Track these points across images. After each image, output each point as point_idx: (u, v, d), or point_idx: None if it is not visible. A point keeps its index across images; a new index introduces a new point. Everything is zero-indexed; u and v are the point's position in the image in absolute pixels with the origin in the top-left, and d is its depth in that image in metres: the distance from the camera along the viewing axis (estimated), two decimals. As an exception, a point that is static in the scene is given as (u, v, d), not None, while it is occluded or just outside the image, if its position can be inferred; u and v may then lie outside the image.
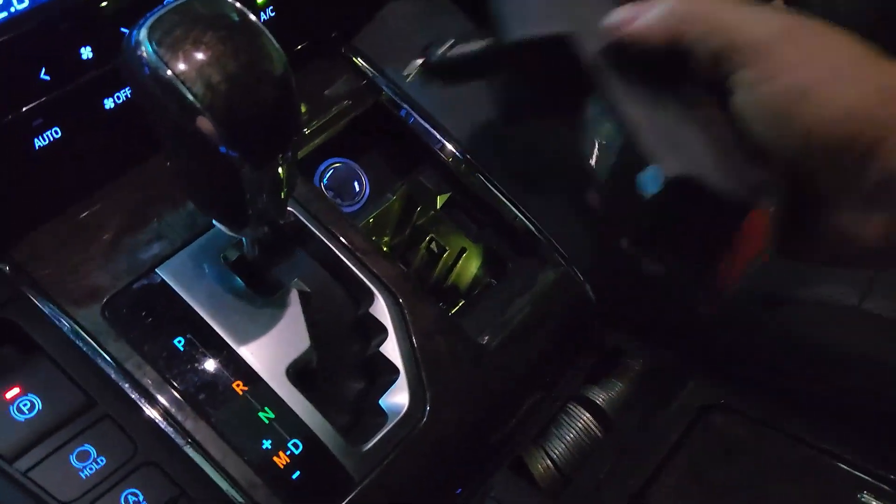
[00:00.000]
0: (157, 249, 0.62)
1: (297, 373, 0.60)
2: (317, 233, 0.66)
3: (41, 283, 0.58)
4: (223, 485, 0.55)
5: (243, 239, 0.61)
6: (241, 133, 0.47)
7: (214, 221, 0.56)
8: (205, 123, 0.46)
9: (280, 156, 0.51)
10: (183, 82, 0.46)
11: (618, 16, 0.51)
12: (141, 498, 0.53)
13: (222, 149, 0.47)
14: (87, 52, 0.57)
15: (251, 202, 0.52)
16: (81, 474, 0.53)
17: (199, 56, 0.46)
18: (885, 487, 0.60)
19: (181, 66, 0.46)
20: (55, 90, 0.57)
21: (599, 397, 0.69)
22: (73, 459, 0.53)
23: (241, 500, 0.55)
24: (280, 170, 0.52)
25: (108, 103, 0.60)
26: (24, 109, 0.56)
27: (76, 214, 0.61)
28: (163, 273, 0.61)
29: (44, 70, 0.56)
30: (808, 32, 0.48)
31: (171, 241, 0.62)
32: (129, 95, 0.61)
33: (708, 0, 0.50)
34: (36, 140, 0.57)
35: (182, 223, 0.63)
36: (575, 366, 0.72)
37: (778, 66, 0.47)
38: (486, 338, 0.64)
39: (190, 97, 0.46)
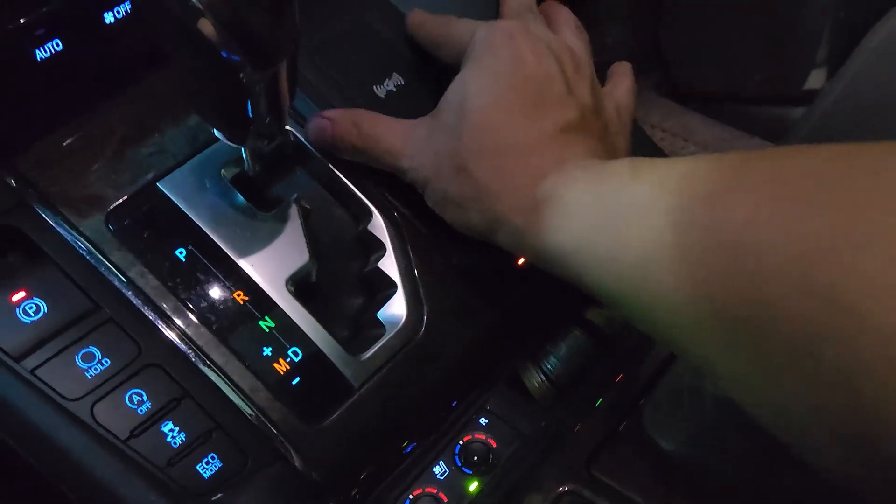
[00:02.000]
0: (158, 163, 0.63)
1: (297, 285, 0.62)
2: (315, 151, 0.67)
3: (46, 193, 0.59)
4: (224, 388, 0.57)
5: (243, 154, 0.62)
6: (241, 35, 0.48)
7: (215, 132, 0.57)
8: (206, 25, 0.47)
9: (280, 61, 0.51)
10: None
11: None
12: (145, 397, 0.55)
13: (224, 52, 0.48)
14: (90, -36, 0.58)
15: (252, 109, 0.53)
16: (87, 374, 0.54)
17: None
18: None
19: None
20: (55, 2, 0.57)
21: (598, 317, 0.70)
22: (78, 360, 0.55)
23: (242, 403, 0.57)
24: (280, 76, 0.53)
25: (109, 17, 0.61)
26: (24, 20, 0.56)
27: (80, 127, 0.62)
28: (164, 187, 0.62)
29: (46, -20, 0.56)
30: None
31: (174, 156, 0.63)
32: (128, 10, 0.62)
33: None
34: (37, 51, 0.58)
35: (184, 138, 0.64)
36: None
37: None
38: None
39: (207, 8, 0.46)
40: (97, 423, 0.53)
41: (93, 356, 0.55)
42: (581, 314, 0.71)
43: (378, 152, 0.64)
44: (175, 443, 0.55)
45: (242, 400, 0.57)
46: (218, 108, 0.55)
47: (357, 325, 0.64)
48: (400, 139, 0.63)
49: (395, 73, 0.71)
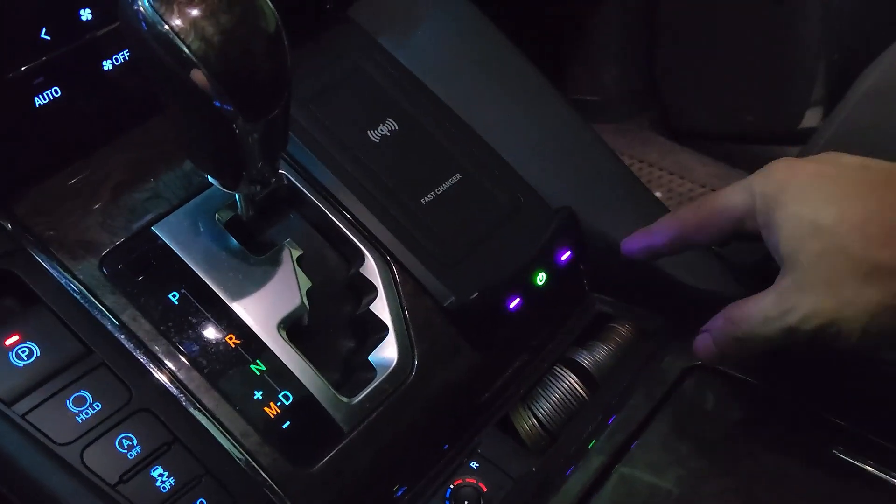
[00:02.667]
0: (153, 208, 0.64)
1: (289, 328, 0.62)
2: (308, 195, 0.68)
3: (41, 237, 0.60)
4: (215, 432, 0.57)
5: (237, 199, 0.63)
6: (234, 86, 0.49)
7: (210, 178, 0.58)
8: (199, 76, 0.48)
9: (273, 110, 0.52)
10: (178, 35, 0.47)
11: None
12: (135, 442, 0.55)
13: (217, 102, 0.49)
14: (86, 14, 0.59)
15: (244, 157, 0.54)
16: (77, 418, 0.55)
17: (194, 11, 0.47)
18: (859, 442, 0.62)
19: (177, 21, 0.47)
20: (55, 50, 0.58)
21: (586, 360, 0.70)
22: (69, 404, 0.55)
23: (232, 447, 0.57)
24: (273, 125, 0.54)
25: (107, 65, 0.62)
26: (24, 68, 0.57)
27: (76, 172, 0.63)
28: (159, 231, 0.63)
29: (44, 30, 0.57)
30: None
31: (168, 200, 0.64)
32: (127, 57, 0.63)
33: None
34: (36, 98, 0.59)
35: (179, 183, 0.65)
36: (563, 329, 0.74)
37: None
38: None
39: (186, 51, 0.47)
40: (87, 468, 0.53)
41: (84, 400, 0.55)
42: (570, 357, 0.71)
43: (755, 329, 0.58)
44: (164, 488, 0.55)
45: (233, 444, 0.57)
46: (211, 156, 0.56)
47: (348, 368, 0.65)
48: (772, 306, 0.57)
49: (388, 119, 0.72)
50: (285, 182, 0.68)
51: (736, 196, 0.60)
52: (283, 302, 0.63)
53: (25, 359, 0.56)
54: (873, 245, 0.53)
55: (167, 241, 0.62)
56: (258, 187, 0.59)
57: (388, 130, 0.72)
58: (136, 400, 0.57)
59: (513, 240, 0.70)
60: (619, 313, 0.75)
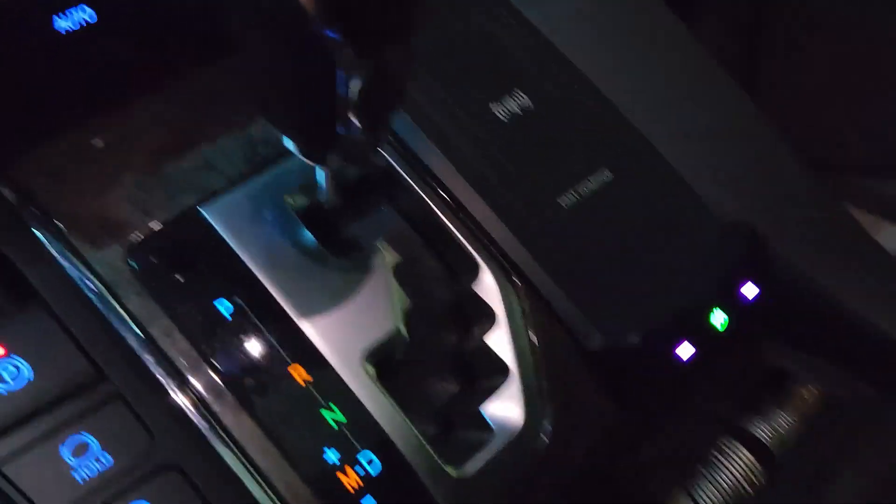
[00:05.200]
0: (204, 182, 0.47)
1: (378, 363, 0.45)
2: (410, 182, 0.50)
3: (49, 210, 0.43)
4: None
5: (319, 179, 0.46)
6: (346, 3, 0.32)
7: (288, 143, 0.41)
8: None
9: (390, 45, 0.35)
10: None
11: None
12: (156, 515, 0.38)
13: (320, 26, 0.33)
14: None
15: (342, 114, 0.37)
16: (76, 475, 0.38)
17: None
18: None
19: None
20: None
21: (763, 431, 0.52)
22: (65, 453, 0.38)
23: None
24: (387, 71, 0.37)
25: (159, -15, 0.46)
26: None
27: (103, 128, 0.46)
28: (209, 214, 0.46)
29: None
30: None
31: (224, 174, 0.47)
32: (187, -22, 0.46)
33: None
34: (59, 19, 0.43)
35: (240, 152, 0.48)
36: (725, 386, 0.56)
37: None
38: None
39: None
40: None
41: (87, 448, 0.38)
42: (741, 426, 0.53)
43: None
44: (191, 587, 0.38)
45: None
46: (297, 110, 0.39)
47: (450, 422, 0.47)
48: None
49: (517, 92, 0.55)
50: (381, 164, 0.51)
51: None
52: (372, 326, 0.45)
53: (10, 381, 0.39)
54: None
55: (219, 229, 0.46)
56: (351, 164, 0.42)
57: (518, 107, 0.55)
58: (159, 451, 0.40)
59: (678, 265, 0.52)
60: (802, 372, 0.56)
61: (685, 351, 0.49)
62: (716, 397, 0.54)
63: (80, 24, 0.43)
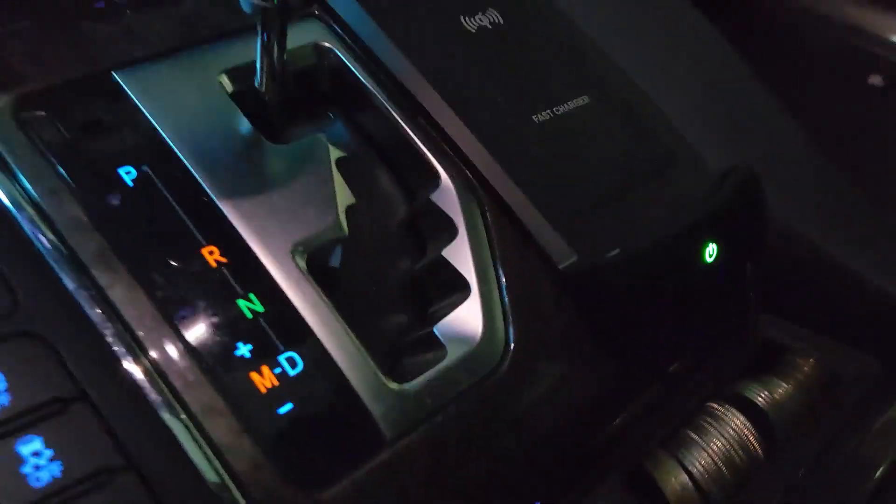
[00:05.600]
0: (120, 46, 0.40)
1: (312, 258, 0.37)
2: (364, 81, 0.44)
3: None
4: (161, 407, 0.31)
5: (257, 61, 0.39)
6: None
7: None
8: None
9: None
10: None
11: None
12: (2, 379, 0.29)
13: None
14: None
15: None
16: None
17: None
18: None
19: None
20: None
21: (759, 396, 0.45)
22: None
23: (184, 433, 0.31)
24: None
25: None
26: None
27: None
28: (124, 80, 0.39)
29: None
30: None
31: (146, 41, 0.40)
32: None
33: None
34: None
35: (168, 24, 0.41)
36: (720, 357, 0.48)
37: None
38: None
39: None
40: None
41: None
42: (738, 392, 0.46)
43: None
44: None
45: (190, 428, 0.31)
46: None
47: (401, 345, 0.39)
48: None
49: (490, 9, 0.49)
50: (331, 60, 0.44)
51: None
52: (308, 217, 0.38)
53: None
54: None
55: (134, 98, 0.38)
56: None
57: (490, 23, 0.49)
58: (22, 315, 0.31)
59: (667, 198, 0.46)
60: (799, 344, 0.49)
61: (670, 284, 0.42)
62: (706, 366, 0.47)
63: None
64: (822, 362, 0.48)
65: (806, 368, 0.48)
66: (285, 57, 0.39)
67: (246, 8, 0.36)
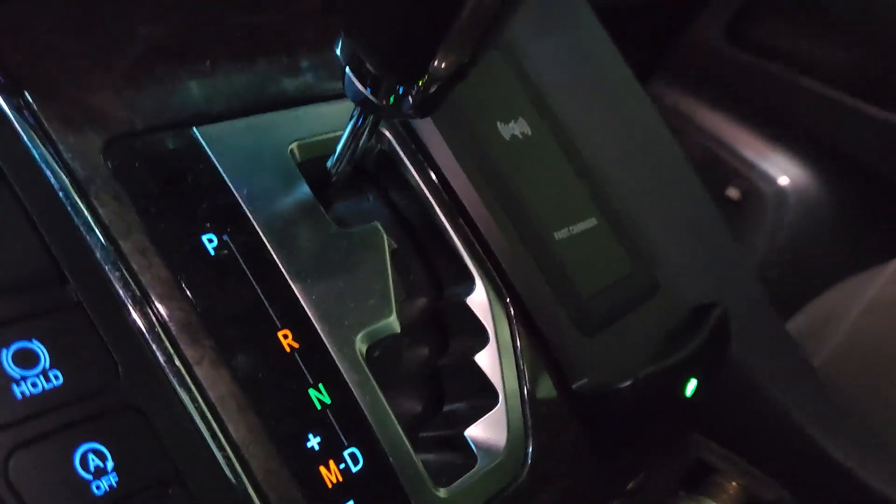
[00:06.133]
0: (201, 102, 0.39)
1: (373, 350, 0.39)
2: (411, 169, 0.45)
3: (19, 76, 0.34)
4: (232, 476, 0.32)
5: (344, 136, 0.40)
6: None
7: (350, 81, 0.35)
8: None
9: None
10: None
11: None
12: (108, 458, 0.29)
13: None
14: None
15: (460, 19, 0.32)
16: (16, 388, 0.28)
17: None
18: None
19: None
20: None
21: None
22: (7, 362, 0.28)
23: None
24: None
25: None
26: None
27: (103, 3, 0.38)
28: (203, 136, 0.38)
29: None
30: None
31: (227, 99, 0.40)
32: None
33: None
34: None
35: (252, 79, 0.41)
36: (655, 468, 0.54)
37: None
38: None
39: None
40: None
41: (34, 355, 0.29)
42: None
43: None
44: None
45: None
46: (397, 27, 0.33)
47: (436, 439, 0.41)
48: None
49: (521, 119, 0.52)
50: (383, 147, 0.46)
51: None
52: (369, 308, 0.39)
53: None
54: None
55: (212, 155, 0.38)
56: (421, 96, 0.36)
57: (521, 132, 0.52)
58: (120, 386, 0.30)
59: (656, 327, 0.51)
60: (726, 467, 0.56)
61: (658, 409, 0.47)
62: (645, 477, 0.52)
63: None
64: (743, 486, 0.55)
65: (731, 491, 0.54)
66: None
67: (350, 96, 0.37)
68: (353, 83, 0.36)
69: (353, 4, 0.34)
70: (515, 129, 0.52)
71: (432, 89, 0.35)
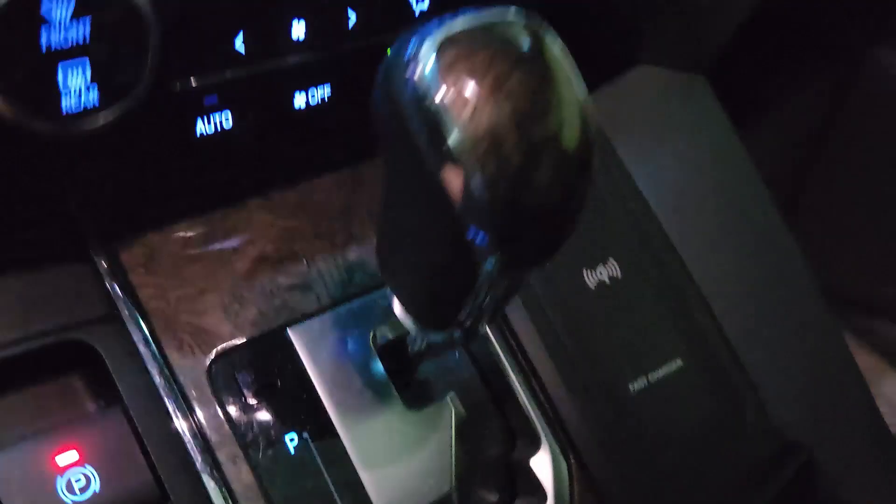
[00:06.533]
0: (296, 301, 0.46)
1: (427, 523, 0.45)
2: (490, 335, 0.50)
3: (144, 305, 0.43)
4: None
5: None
6: (517, 226, 0.32)
7: (399, 310, 0.40)
8: (455, 182, 0.31)
9: (548, 259, 0.35)
10: (461, 132, 0.30)
11: None
12: None
13: (474, 235, 0.32)
14: (299, 29, 0.42)
15: (472, 302, 0.37)
16: None
17: (495, 105, 0.30)
18: None
19: (464, 109, 0.30)
20: (245, 66, 0.42)
21: None
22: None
23: None
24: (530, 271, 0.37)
25: (299, 100, 0.45)
26: (197, 81, 0.41)
27: (214, 226, 0.46)
28: (295, 336, 0.46)
29: (240, 38, 0.41)
30: None
31: (318, 296, 0.47)
32: (326, 98, 0.46)
33: None
34: (200, 122, 0.42)
35: (337, 276, 0.48)
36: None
37: None
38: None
39: (465, 158, 0.30)
40: None
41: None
42: None
43: None
44: None
45: None
46: (425, 287, 0.38)
47: None
48: None
49: (611, 260, 0.55)
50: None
51: None
52: (429, 486, 0.45)
53: (78, 493, 0.38)
54: None
55: (300, 354, 0.45)
56: (461, 332, 0.42)
57: (608, 276, 0.55)
58: None
59: (731, 475, 0.52)
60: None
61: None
62: None
63: (216, 127, 0.43)
64: None
65: None
66: None
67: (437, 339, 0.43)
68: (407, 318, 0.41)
69: (388, 278, 0.39)
70: (603, 273, 0.54)
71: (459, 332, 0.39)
